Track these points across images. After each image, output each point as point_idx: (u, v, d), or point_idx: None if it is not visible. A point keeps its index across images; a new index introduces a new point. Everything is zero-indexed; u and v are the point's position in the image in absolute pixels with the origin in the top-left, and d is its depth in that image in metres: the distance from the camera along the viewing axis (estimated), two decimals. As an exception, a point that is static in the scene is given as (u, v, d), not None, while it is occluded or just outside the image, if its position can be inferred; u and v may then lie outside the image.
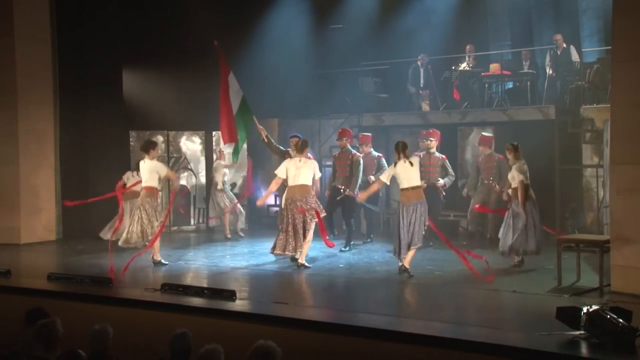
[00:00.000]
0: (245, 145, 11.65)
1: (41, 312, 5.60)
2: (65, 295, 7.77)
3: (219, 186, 12.35)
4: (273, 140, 10.64)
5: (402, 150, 8.71)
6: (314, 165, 9.43)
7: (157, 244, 9.47)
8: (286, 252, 9.27)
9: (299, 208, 9.18)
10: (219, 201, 12.35)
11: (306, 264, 9.21)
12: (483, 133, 11.51)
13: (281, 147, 10.56)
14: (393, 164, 8.84)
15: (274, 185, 9.61)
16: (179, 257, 10.36)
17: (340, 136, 11.04)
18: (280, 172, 9.44)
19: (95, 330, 5.09)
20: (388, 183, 9.03)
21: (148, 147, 9.63)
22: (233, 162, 11.57)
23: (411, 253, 8.63)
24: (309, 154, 9.78)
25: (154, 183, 9.57)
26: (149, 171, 9.53)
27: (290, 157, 9.65)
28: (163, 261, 9.56)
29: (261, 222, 13.81)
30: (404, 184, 8.68)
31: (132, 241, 9.45)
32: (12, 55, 11.84)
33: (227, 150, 11.43)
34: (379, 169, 11.14)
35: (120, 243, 9.56)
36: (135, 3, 12.66)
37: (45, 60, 12.29)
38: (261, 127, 10.48)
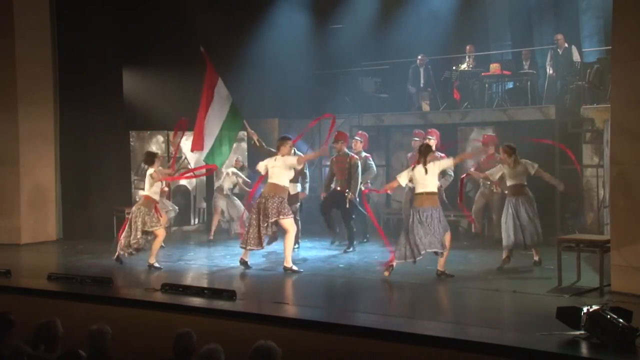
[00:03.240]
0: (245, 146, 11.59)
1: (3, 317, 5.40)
2: (65, 295, 7.78)
3: (225, 192, 12.26)
4: (264, 144, 10.59)
5: (422, 155, 8.55)
6: (288, 161, 9.21)
7: (156, 246, 9.41)
8: (249, 247, 9.07)
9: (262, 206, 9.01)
10: (215, 205, 12.26)
11: (294, 267, 9.00)
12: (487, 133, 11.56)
13: (272, 150, 10.48)
14: (412, 167, 8.70)
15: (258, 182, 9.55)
16: (179, 257, 10.36)
17: (337, 139, 10.99)
18: (260, 167, 9.41)
19: (93, 330, 5.07)
20: (403, 185, 8.83)
21: (153, 159, 9.58)
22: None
23: (444, 256, 8.45)
24: (300, 152, 9.63)
25: (154, 195, 9.55)
26: (151, 183, 9.49)
27: None
28: (156, 265, 9.36)
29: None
30: (419, 188, 8.51)
31: (138, 245, 9.37)
32: (12, 55, 11.82)
33: (189, 155, 11.27)
34: (366, 169, 11.12)
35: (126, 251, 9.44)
36: (135, 3, 12.64)
37: (45, 60, 12.27)
38: (252, 131, 10.45)
